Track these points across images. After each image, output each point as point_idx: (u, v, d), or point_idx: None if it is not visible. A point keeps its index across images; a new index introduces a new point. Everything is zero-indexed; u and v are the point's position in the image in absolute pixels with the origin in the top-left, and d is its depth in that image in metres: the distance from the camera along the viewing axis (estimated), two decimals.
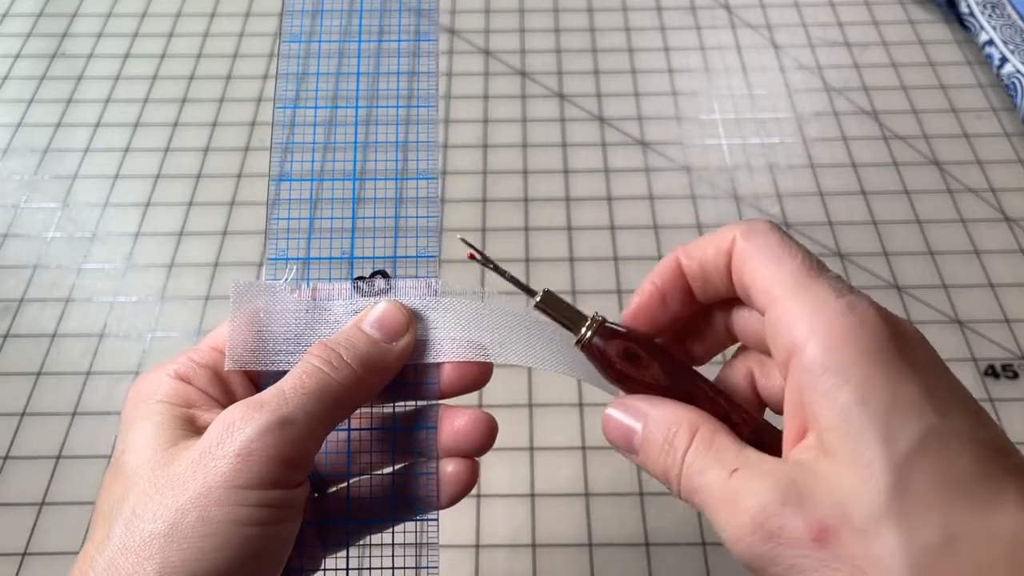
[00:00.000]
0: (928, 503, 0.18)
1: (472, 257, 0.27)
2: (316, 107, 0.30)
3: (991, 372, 0.51)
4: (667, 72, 0.68)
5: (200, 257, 0.57)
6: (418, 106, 0.30)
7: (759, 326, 0.24)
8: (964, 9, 0.69)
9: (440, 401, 0.28)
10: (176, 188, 0.61)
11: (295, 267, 0.28)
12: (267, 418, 0.23)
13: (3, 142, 0.64)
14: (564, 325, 0.26)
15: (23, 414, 0.50)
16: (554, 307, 0.26)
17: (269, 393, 0.24)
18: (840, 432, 0.19)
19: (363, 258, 0.29)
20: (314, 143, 0.30)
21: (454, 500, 0.28)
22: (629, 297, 0.55)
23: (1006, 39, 0.65)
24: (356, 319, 0.27)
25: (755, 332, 0.25)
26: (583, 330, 0.26)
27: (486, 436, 0.28)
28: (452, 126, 0.64)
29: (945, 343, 0.52)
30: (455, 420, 0.28)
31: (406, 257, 0.29)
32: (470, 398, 0.32)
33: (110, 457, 0.48)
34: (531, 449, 0.48)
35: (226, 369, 0.27)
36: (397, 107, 0.30)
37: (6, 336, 0.53)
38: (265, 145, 0.63)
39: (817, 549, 0.19)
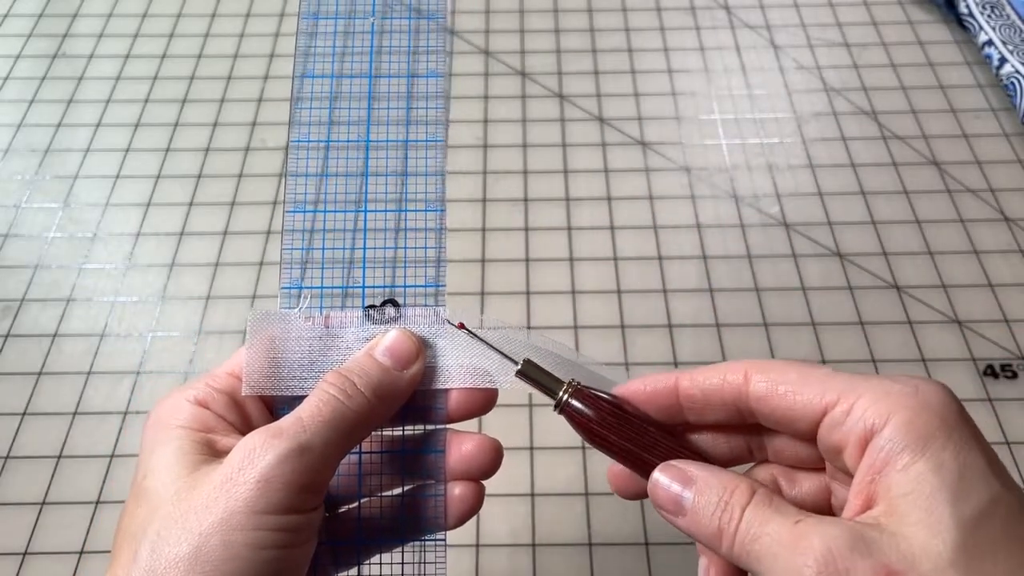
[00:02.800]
0: (994, 560, 0.20)
1: (461, 326, 0.29)
2: (328, 141, 0.31)
3: (990, 372, 0.51)
4: (667, 72, 0.68)
5: (200, 257, 0.57)
6: (427, 141, 0.31)
7: (794, 446, 0.26)
8: (963, 9, 0.69)
9: (448, 425, 0.29)
10: (177, 188, 0.61)
11: (308, 296, 0.29)
12: (286, 445, 0.24)
13: (4, 142, 0.64)
14: (544, 391, 0.28)
15: (24, 414, 0.50)
16: (534, 376, 0.28)
17: (287, 421, 0.25)
18: (913, 496, 0.21)
19: (374, 287, 0.30)
20: (327, 173, 0.30)
21: (461, 521, 0.29)
22: (629, 297, 0.55)
23: (1005, 39, 0.66)
24: (368, 347, 0.28)
25: (791, 451, 0.26)
26: (560, 393, 0.27)
27: (492, 461, 0.29)
28: (452, 126, 0.64)
29: (944, 343, 0.52)
30: (462, 445, 0.29)
31: (415, 286, 0.30)
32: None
33: (110, 457, 0.48)
34: (531, 449, 0.48)
35: (243, 395, 0.28)
36: (407, 141, 0.31)
37: (7, 336, 0.54)
38: (266, 146, 0.63)
39: None
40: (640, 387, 0.27)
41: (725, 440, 0.27)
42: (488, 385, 0.29)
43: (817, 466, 0.26)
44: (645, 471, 0.26)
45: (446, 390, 0.29)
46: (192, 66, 0.69)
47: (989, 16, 0.67)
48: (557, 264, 0.56)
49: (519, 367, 0.28)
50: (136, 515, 0.24)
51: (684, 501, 0.24)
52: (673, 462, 0.25)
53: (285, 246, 0.30)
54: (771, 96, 0.66)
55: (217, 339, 0.53)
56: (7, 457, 0.48)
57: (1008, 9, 0.68)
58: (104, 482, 0.47)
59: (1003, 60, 0.65)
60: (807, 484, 0.26)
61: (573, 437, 0.48)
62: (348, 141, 0.31)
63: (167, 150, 0.63)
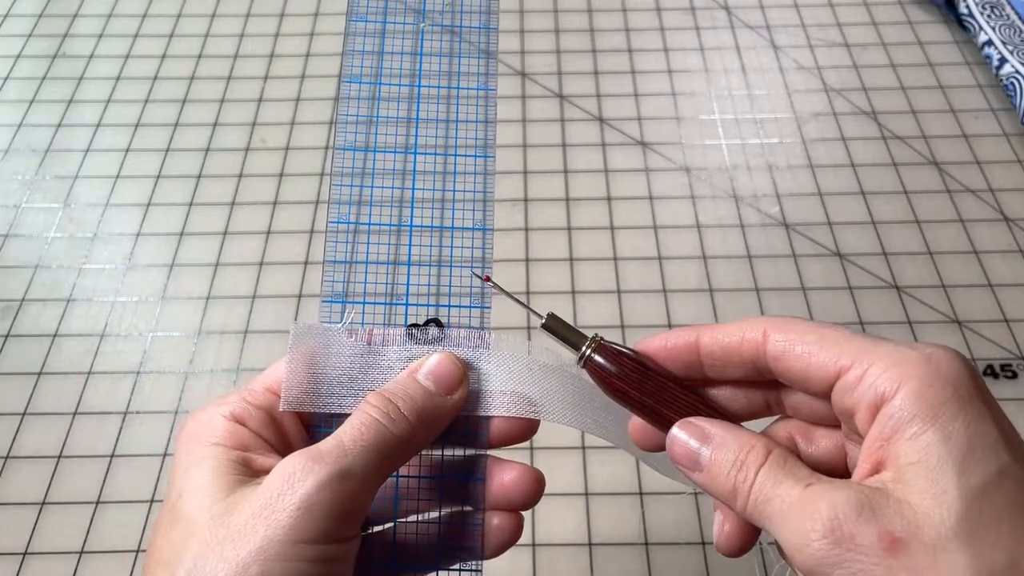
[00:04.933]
0: (998, 531, 0.20)
1: (487, 279, 0.29)
2: (376, 150, 0.30)
3: (990, 372, 0.51)
4: (667, 73, 0.68)
5: (200, 257, 0.57)
6: (475, 156, 0.30)
7: (811, 403, 0.26)
8: (963, 10, 0.69)
9: (488, 451, 0.28)
10: (177, 188, 0.61)
11: (352, 312, 0.29)
12: (327, 471, 0.23)
13: (4, 142, 0.64)
14: (567, 345, 0.27)
15: (24, 414, 0.50)
16: (558, 329, 0.27)
17: (328, 444, 0.24)
18: (921, 466, 0.21)
19: (417, 305, 0.29)
20: (372, 186, 0.30)
21: (498, 552, 0.28)
22: (629, 297, 0.55)
23: (1005, 39, 0.66)
24: (411, 369, 0.27)
25: (808, 408, 0.26)
26: (583, 348, 0.27)
27: (533, 492, 0.28)
28: None
29: (944, 343, 0.52)
30: (504, 474, 0.28)
31: (459, 307, 0.29)
32: None
33: (111, 457, 0.48)
34: (531, 449, 0.48)
35: (280, 409, 0.27)
36: (456, 155, 0.30)
37: (7, 336, 0.54)
38: (266, 145, 0.63)
39: (885, 557, 0.20)
40: (662, 343, 0.27)
41: (744, 395, 0.27)
42: (531, 415, 0.28)
43: (834, 423, 0.26)
44: (664, 426, 0.26)
45: (488, 416, 0.28)
46: (192, 66, 0.69)
47: (989, 16, 0.67)
48: (557, 264, 0.56)
49: (543, 321, 0.27)
50: (170, 538, 0.24)
51: (701, 458, 0.24)
52: (692, 419, 0.25)
53: (327, 258, 0.29)
54: (771, 96, 0.66)
55: (217, 339, 0.53)
56: (7, 457, 0.48)
57: (1008, 9, 0.68)
58: (104, 482, 0.47)
59: (1003, 60, 0.65)
60: (824, 442, 0.26)
61: (573, 437, 0.49)
62: (395, 152, 0.30)
63: (167, 150, 0.63)
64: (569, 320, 0.53)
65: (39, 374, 0.52)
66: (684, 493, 0.47)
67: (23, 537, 0.45)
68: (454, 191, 0.30)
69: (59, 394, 0.51)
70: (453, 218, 0.29)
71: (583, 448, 0.48)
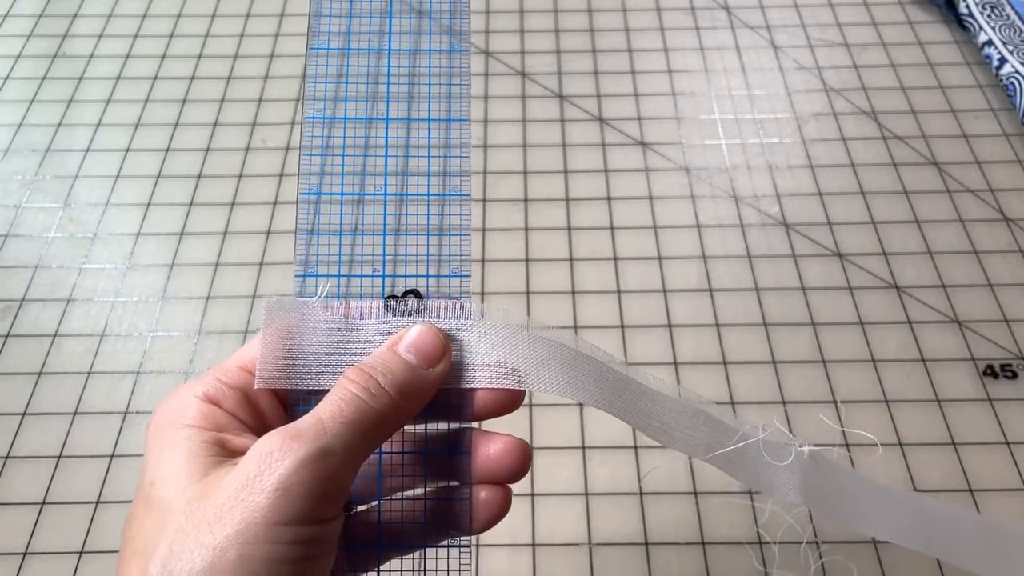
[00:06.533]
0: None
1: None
2: (346, 118, 0.29)
3: (990, 372, 0.51)
4: (667, 73, 0.68)
5: (201, 257, 0.57)
6: (450, 119, 0.29)
7: None
8: (963, 10, 0.69)
9: (472, 424, 0.27)
10: (177, 188, 0.61)
11: (326, 284, 0.27)
12: (306, 450, 0.22)
13: (4, 142, 0.64)
14: None
15: (24, 414, 0.50)
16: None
17: (306, 422, 0.23)
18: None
19: (395, 276, 0.28)
20: (344, 155, 0.29)
21: (487, 526, 0.27)
22: (628, 297, 0.55)
23: (1005, 39, 0.66)
24: (391, 342, 0.26)
25: None
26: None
27: (520, 464, 0.27)
28: None
29: (944, 343, 0.52)
30: (489, 446, 0.27)
31: (438, 276, 0.28)
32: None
33: (111, 457, 0.48)
34: (531, 449, 0.48)
35: (255, 387, 0.26)
36: (429, 120, 0.29)
37: (7, 336, 0.54)
38: (266, 145, 0.63)
39: None
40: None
41: None
42: (516, 386, 0.27)
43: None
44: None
45: (471, 388, 0.27)
46: (192, 66, 0.69)
47: (989, 16, 0.67)
48: (557, 264, 0.56)
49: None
50: (144, 527, 0.23)
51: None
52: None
53: (300, 231, 0.28)
54: (771, 96, 0.66)
55: (217, 339, 0.53)
56: (7, 457, 0.48)
57: (1008, 9, 0.68)
58: (104, 482, 0.47)
59: (1003, 60, 0.65)
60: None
61: (573, 437, 0.49)
62: (369, 118, 0.29)
63: (167, 150, 0.63)
64: (569, 320, 0.53)
65: (39, 374, 0.52)
66: (684, 493, 0.47)
67: (23, 537, 0.45)
68: (428, 156, 0.29)
69: (59, 394, 0.51)
70: (428, 184, 0.28)
71: (583, 448, 0.48)
